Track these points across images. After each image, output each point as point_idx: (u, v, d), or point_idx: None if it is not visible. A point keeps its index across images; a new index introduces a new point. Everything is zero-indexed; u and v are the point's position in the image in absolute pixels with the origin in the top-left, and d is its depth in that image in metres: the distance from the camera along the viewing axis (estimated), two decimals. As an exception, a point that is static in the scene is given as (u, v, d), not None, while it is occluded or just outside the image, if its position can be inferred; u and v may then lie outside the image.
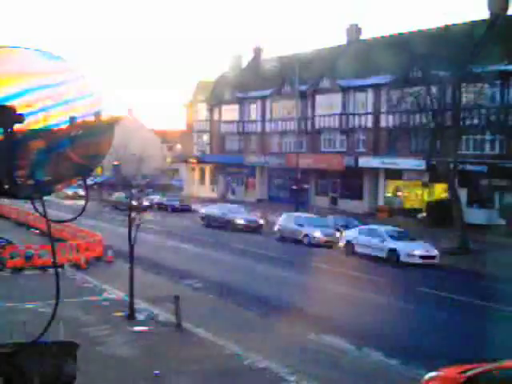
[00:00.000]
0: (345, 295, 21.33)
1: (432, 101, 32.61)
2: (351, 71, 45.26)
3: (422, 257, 26.84)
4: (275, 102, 54.08)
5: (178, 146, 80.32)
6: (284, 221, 35.11)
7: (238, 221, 37.99)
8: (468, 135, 36.39)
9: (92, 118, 3.76)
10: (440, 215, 37.02)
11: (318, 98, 49.29)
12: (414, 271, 25.86)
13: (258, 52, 63.03)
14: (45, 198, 3.70)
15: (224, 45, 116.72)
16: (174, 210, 49.73)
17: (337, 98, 47.58)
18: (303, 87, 47.77)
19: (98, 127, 3.83)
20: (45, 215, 3.68)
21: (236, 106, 58.81)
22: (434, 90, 32.93)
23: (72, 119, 3.67)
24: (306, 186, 49.08)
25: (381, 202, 45.27)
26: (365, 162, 44.84)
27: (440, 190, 40.18)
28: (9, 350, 4.82)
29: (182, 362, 14.00)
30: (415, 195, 43.54)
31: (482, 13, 42.15)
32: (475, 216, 36.30)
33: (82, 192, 46.83)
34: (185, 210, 49.95)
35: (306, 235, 32.86)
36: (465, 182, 36.69)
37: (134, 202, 21.36)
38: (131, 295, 17.69)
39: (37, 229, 33.50)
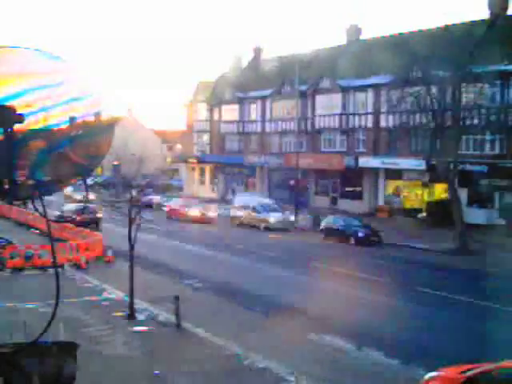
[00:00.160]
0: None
1: (432, 101, 32.60)
2: (351, 71, 45.25)
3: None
4: (275, 101, 54.07)
5: (178, 146, 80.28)
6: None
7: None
8: (468, 135, 36.37)
9: (92, 118, 3.77)
10: (440, 215, 37.00)
11: (318, 98, 49.28)
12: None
13: (257, 52, 63.01)
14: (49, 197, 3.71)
15: (224, 45, 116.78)
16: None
17: (337, 98, 47.56)
18: (303, 87, 47.76)
19: (98, 127, 3.84)
20: (45, 215, 3.69)
21: (236, 106, 58.81)
22: (434, 90, 32.91)
23: (72, 119, 3.67)
24: (307, 185, 49.14)
25: (381, 202, 45.26)
26: (365, 162, 44.82)
27: (440, 190, 40.16)
28: (9, 350, 4.82)
29: (182, 362, 14.01)
30: (415, 195, 43.52)
31: (482, 13, 42.12)
32: (475, 216, 36.30)
33: (91, 196, 47.45)
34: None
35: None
36: (465, 181, 36.67)
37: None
38: (131, 295, 17.70)
39: (37, 229, 33.51)
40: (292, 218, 40.19)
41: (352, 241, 33.28)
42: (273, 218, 38.97)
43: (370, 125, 45.52)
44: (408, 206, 43.48)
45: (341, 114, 47.39)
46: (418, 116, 35.70)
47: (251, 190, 57.63)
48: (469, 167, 36.12)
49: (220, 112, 61.52)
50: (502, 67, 33.78)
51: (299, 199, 44.08)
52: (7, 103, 3.40)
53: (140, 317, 17.63)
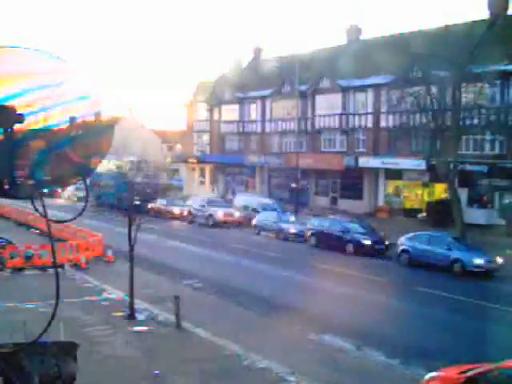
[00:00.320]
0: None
1: (432, 101, 32.61)
2: (351, 71, 45.24)
3: None
4: (275, 101, 54.06)
5: (178, 146, 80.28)
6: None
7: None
8: (468, 135, 36.36)
9: (92, 118, 3.76)
10: (440, 215, 37.01)
11: (318, 98, 49.27)
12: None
13: (257, 52, 63.01)
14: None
15: (224, 45, 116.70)
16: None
17: (337, 98, 47.56)
18: (303, 87, 47.76)
19: (98, 127, 3.83)
20: (45, 215, 3.68)
21: (236, 106, 58.80)
22: (434, 90, 32.93)
23: (72, 119, 3.67)
24: (307, 185, 49.13)
25: (381, 202, 45.26)
26: (365, 161, 44.82)
27: (440, 190, 40.17)
28: (9, 350, 4.82)
29: (182, 362, 14.01)
30: (415, 195, 43.53)
31: (482, 13, 42.04)
32: (475, 216, 36.30)
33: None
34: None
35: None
36: (465, 181, 36.68)
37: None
38: (131, 295, 17.71)
39: (37, 229, 33.51)
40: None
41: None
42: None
43: (370, 125, 45.51)
44: (408, 206, 43.47)
45: (341, 114, 47.38)
46: (417, 116, 35.70)
47: (251, 190, 57.63)
48: (469, 167, 36.12)
49: (220, 112, 61.52)
50: (502, 67, 33.78)
51: (299, 199, 44.09)
52: (7, 103, 3.39)
53: (140, 317, 17.63)
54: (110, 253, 26.90)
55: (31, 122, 3.48)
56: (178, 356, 14.40)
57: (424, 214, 40.22)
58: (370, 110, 45.44)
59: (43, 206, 3.64)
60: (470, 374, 10.57)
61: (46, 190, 4.00)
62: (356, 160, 45.20)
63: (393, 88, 37.18)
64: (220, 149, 62.19)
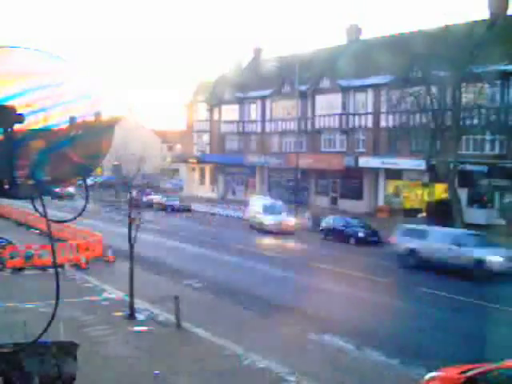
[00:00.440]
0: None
1: (432, 101, 32.62)
2: (351, 71, 45.24)
3: None
4: (275, 101, 54.08)
5: (178, 146, 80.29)
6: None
7: None
8: (468, 135, 36.37)
9: (92, 118, 3.76)
10: (440, 215, 36.98)
11: (318, 98, 49.28)
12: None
13: (257, 52, 63.04)
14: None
15: (224, 45, 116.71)
16: (174, 210, 49.78)
17: (337, 98, 47.57)
18: (303, 87, 47.76)
19: (98, 127, 3.83)
20: (45, 215, 3.68)
21: (236, 106, 58.81)
22: (434, 90, 32.94)
23: (72, 119, 3.67)
24: (306, 186, 49.14)
25: (381, 202, 45.26)
26: (365, 162, 44.83)
27: (440, 190, 40.16)
28: (9, 350, 4.82)
29: (182, 361, 14.01)
30: (415, 195, 43.52)
31: (482, 13, 42.09)
32: (475, 216, 36.29)
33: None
34: (185, 210, 50.02)
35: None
36: (465, 182, 36.68)
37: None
38: (131, 295, 17.71)
39: (37, 229, 33.51)
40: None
41: (352, 241, 33.29)
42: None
43: (370, 125, 45.53)
44: (408, 206, 43.45)
45: (341, 114, 47.39)
46: (417, 116, 35.71)
47: (251, 190, 57.63)
48: (469, 167, 36.13)
49: (220, 112, 61.53)
50: (502, 67, 33.78)
51: (299, 199, 44.10)
52: (7, 103, 3.39)
53: (140, 317, 17.63)
54: (110, 253, 26.90)
55: (31, 122, 3.48)
56: (178, 356, 14.40)
57: (424, 214, 40.18)
58: (370, 110, 45.45)
59: (43, 206, 3.64)
60: (469, 374, 10.57)
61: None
62: (356, 160, 45.21)
63: (393, 88, 37.21)
64: (220, 149, 62.20)
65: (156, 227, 36.86)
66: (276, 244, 33.83)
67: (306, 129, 50.14)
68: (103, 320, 17.26)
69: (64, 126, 3.63)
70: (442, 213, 36.39)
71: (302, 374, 13.07)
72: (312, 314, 18.57)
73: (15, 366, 4.77)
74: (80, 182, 4.11)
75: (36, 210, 3.69)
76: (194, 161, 64.68)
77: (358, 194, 47.09)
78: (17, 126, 3.41)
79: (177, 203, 51.32)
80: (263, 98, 55.71)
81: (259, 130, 56.77)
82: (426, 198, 41.82)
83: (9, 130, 3.38)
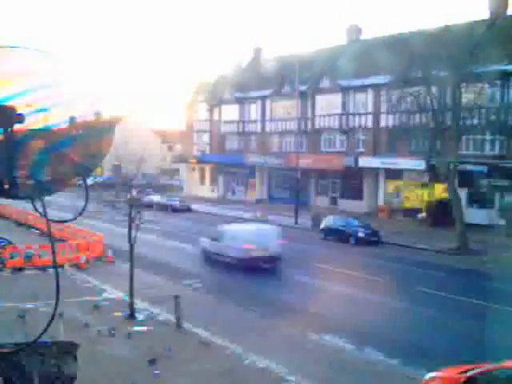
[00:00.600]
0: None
1: (432, 101, 32.57)
2: (351, 71, 45.22)
3: None
4: (275, 102, 54.07)
5: (178, 146, 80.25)
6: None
7: None
8: (468, 135, 36.35)
9: (92, 118, 3.76)
10: (440, 215, 37.02)
11: (318, 98, 49.27)
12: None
13: (257, 52, 63.02)
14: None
15: (224, 45, 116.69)
16: (174, 210, 49.80)
17: (337, 98, 47.56)
18: (303, 87, 47.73)
19: (99, 127, 3.83)
20: (45, 215, 3.68)
21: (236, 106, 58.80)
22: (434, 90, 32.90)
23: (72, 119, 3.67)
24: (306, 186, 49.15)
25: (381, 202, 45.25)
26: (365, 162, 44.82)
27: (440, 190, 40.15)
28: (9, 350, 4.82)
29: (182, 362, 14.01)
30: (415, 195, 43.52)
31: (482, 13, 42.01)
32: (475, 216, 36.29)
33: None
34: (185, 210, 50.05)
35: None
36: (465, 182, 36.67)
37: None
38: (131, 295, 17.72)
39: (37, 229, 33.51)
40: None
41: (352, 241, 33.35)
42: None
43: (370, 125, 45.51)
44: (408, 205, 43.47)
45: (341, 114, 47.39)
46: (417, 116, 35.67)
47: (251, 190, 57.62)
48: (469, 167, 36.11)
49: (220, 112, 61.52)
50: (502, 67, 33.76)
51: (299, 199, 44.08)
52: (7, 103, 3.39)
53: (140, 317, 17.64)
54: (110, 253, 26.90)
55: (31, 122, 3.48)
56: (178, 356, 14.40)
57: (424, 214, 40.21)
58: (370, 110, 45.44)
59: (43, 206, 3.65)
60: (470, 374, 10.58)
61: None
62: (356, 160, 45.20)
63: (393, 88, 37.14)
64: (220, 149, 62.19)
65: (156, 227, 36.86)
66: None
67: (306, 129, 50.13)
68: (103, 320, 17.27)
69: (64, 125, 3.63)
70: (441, 213, 36.40)
71: (301, 374, 13.07)
72: (312, 313, 18.58)
73: (15, 365, 4.77)
74: (80, 181, 4.10)
75: (36, 210, 3.69)
76: (194, 161, 64.66)
77: (358, 194, 47.09)
78: (17, 126, 3.41)
79: (177, 203, 51.34)
80: (263, 98, 55.70)
81: (259, 129, 56.77)
82: (425, 197, 41.82)
83: (9, 129, 3.38)
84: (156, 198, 52.29)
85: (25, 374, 4.81)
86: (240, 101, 58.19)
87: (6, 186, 3.45)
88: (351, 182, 47.41)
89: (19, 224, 37.88)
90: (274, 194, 55.74)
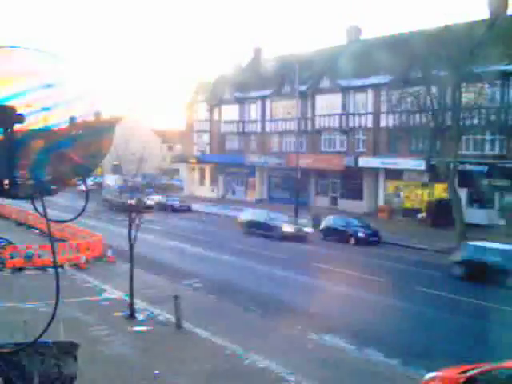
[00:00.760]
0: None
1: (432, 101, 32.58)
2: (351, 71, 45.21)
3: None
4: (275, 101, 54.06)
5: (178, 146, 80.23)
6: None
7: None
8: (468, 135, 36.36)
9: (92, 118, 3.76)
10: (440, 215, 37.00)
11: (318, 98, 49.27)
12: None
13: (257, 52, 63.01)
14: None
15: (224, 45, 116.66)
16: (174, 210, 49.79)
17: (337, 98, 47.56)
18: (303, 87, 47.74)
19: (99, 127, 3.83)
20: (45, 215, 3.68)
21: (236, 106, 58.80)
22: (434, 90, 32.91)
23: (72, 119, 3.67)
24: (305, 186, 49.16)
25: (381, 202, 45.26)
26: (365, 162, 44.82)
27: (440, 190, 40.16)
28: (9, 350, 4.82)
29: (182, 361, 14.01)
30: (415, 195, 43.53)
31: (482, 13, 41.98)
32: (475, 216, 36.29)
33: None
34: (185, 210, 50.05)
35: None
36: (465, 181, 36.66)
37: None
38: (131, 295, 17.71)
39: (37, 229, 33.50)
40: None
41: (352, 241, 33.34)
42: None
43: (369, 125, 45.51)
44: (408, 205, 43.48)
45: (341, 114, 47.38)
46: (417, 116, 35.67)
47: (251, 190, 57.61)
48: (469, 167, 36.11)
49: (220, 112, 61.52)
50: (502, 67, 33.77)
51: (299, 199, 44.08)
52: (7, 103, 3.39)
53: (140, 317, 17.64)
54: (109, 253, 26.90)
55: (31, 122, 3.48)
56: (178, 356, 14.40)
57: (424, 214, 40.22)
58: (370, 110, 45.44)
59: (43, 206, 3.65)
60: (469, 374, 10.57)
61: None
62: (356, 160, 45.20)
63: (393, 88, 37.17)
64: (220, 149, 62.18)
65: (156, 227, 36.86)
66: (276, 244, 33.79)
67: (306, 129, 50.13)
68: (103, 320, 17.27)
69: (64, 125, 3.63)
70: (441, 213, 36.40)
71: (301, 374, 13.07)
72: (312, 313, 18.58)
73: (15, 365, 4.77)
74: (80, 181, 4.10)
75: (36, 210, 3.69)
76: (194, 161, 64.65)
77: (358, 194, 47.09)
78: (17, 126, 3.41)
79: (177, 203, 51.34)
80: (263, 98, 55.70)
81: (259, 129, 56.76)
82: (425, 197, 41.83)
83: (9, 130, 3.38)
84: (156, 198, 52.29)
85: (25, 373, 4.81)
86: (240, 101, 58.19)
87: (6, 186, 3.45)
88: (351, 182, 47.42)
89: (19, 224, 37.87)
90: (273, 194, 55.72)
